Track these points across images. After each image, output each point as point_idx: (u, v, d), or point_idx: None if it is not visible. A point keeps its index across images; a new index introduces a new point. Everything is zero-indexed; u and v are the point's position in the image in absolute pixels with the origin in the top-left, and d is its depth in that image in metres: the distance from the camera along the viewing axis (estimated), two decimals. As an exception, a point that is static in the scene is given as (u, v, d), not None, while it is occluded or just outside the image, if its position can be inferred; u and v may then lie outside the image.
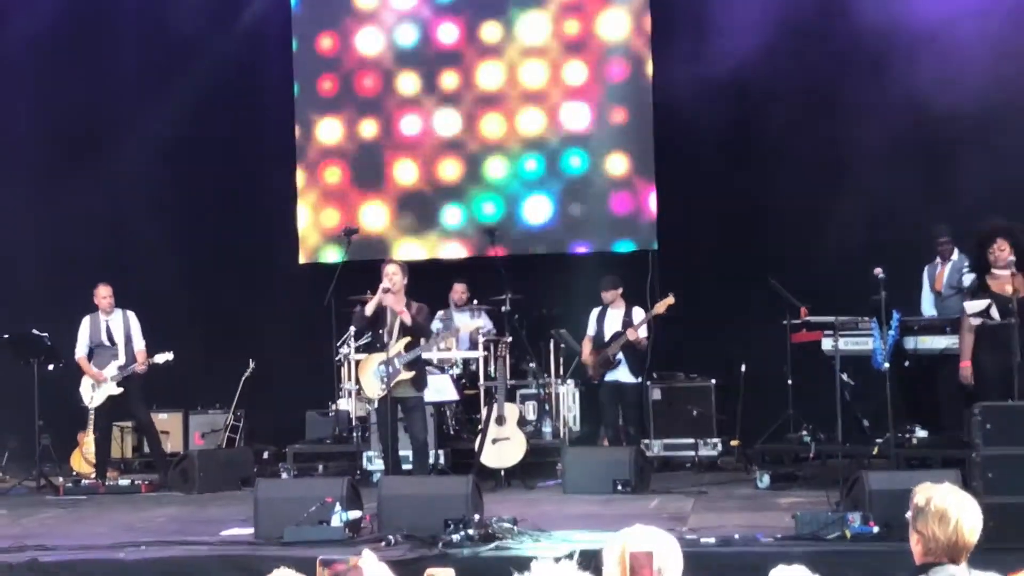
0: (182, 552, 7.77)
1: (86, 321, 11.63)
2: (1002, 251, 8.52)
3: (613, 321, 11.30)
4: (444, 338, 11.34)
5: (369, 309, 9.92)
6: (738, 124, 12.56)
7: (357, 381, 12.12)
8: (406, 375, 9.92)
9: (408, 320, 9.88)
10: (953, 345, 9.56)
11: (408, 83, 13.65)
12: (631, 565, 3.92)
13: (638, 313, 11.21)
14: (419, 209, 13.64)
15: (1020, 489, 7.06)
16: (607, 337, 11.26)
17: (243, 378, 12.62)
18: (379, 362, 9.89)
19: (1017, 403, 7.66)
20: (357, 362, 12.16)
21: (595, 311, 11.44)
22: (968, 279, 8.95)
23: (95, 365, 11.51)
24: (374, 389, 9.98)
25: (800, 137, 12.37)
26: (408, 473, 10.05)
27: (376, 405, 10.03)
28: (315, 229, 13.78)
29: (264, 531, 8.08)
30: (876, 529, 7.46)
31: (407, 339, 9.93)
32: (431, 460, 10.87)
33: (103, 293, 11.57)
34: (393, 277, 9.92)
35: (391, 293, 9.86)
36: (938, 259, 10.48)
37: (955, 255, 10.29)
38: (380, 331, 10.00)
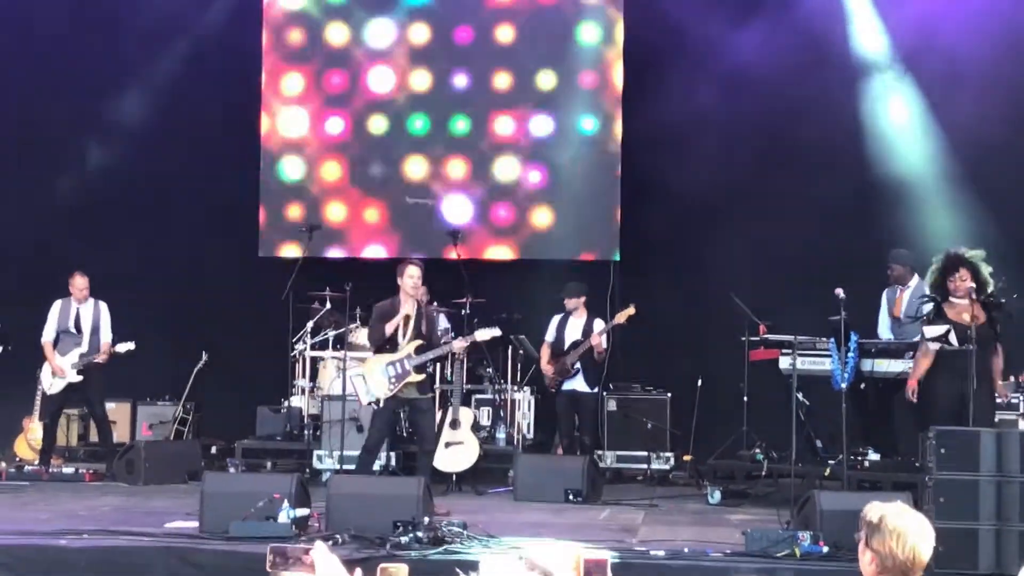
0: (125, 542, 7.66)
1: (56, 305, 11.50)
2: (963, 280, 8.59)
3: (573, 330, 11.29)
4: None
5: (390, 329, 9.67)
6: (709, 139, 12.54)
7: (312, 378, 12.07)
8: (415, 377, 9.67)
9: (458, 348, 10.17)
10: (908, 369, 9.59)
11: (377, 78, 13.56)
12: (585, 571, 3.89)
13: (599, 324, 11.21)
14: (383, 207, 13.54)
15: (970, 514, 7.08)
16: (566, 345, 11.24)
17: (195, 370, 12.48)
18: (387, 362, 9.64)
19: (971, 428, 7.66)
20: (313, 359, 12.12)
21: (556, 318, 11.41)
22: (926, 308, 8.98)
23: (58, 351, 11.37)
24: (382, 388, 9.65)
25: (772, 155, 12.37)
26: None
27: (380, 405, 9.71)
28: (275, 223, 13.66)
29: (209, 525, 7.98)
30: (826, 549, 7.46)
31: (419, 341, 9.69)
32: (383, 461, 10.81)
33: (80, 284, 11.45)
34: (419, 283, 9.71)
35: (412, 298, 9.72)
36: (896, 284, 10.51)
37: (914, 281, 10.31)
38: (389, 335, 9.72)
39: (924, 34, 11.94)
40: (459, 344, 10.11)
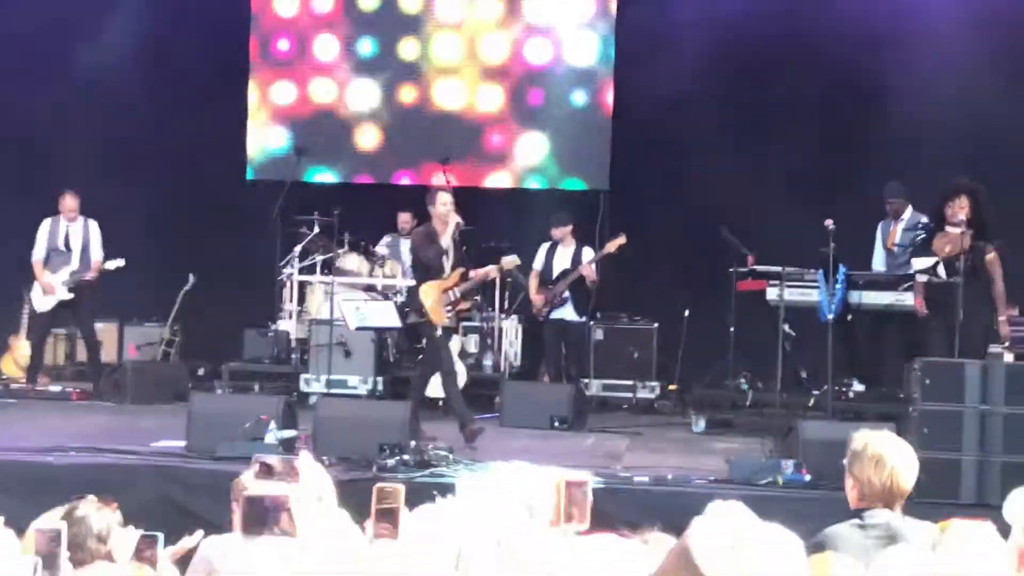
0: (111, 460, 7.69)
1: (46, 224, 11.46)
2: (962, 208, 8.51)
3: (562, 259, 11.28)
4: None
5: (445, 244, 9.36)
6: (699, 70, 12.45)
7: (300, 302, 12.06)
8: (464, 305, 9.69)
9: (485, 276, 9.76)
10: (897, 302, 9.61)
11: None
12: (567, 494, 3.91)
13: (587, 253, 11.21)
14: (371, 133, 13.46)
15: (954, 445, 7.14)
16: (555, 274, 11.24)
17: (182, 293, 12.46)
18: (443, 289, 9.36)
19: (956, 360, 7.70)
20: (301, 283, 12.10)
21: (544, 247, 11.41)
22: (920, 236, 8.96)
23: (48, 270, 11.34)
24: (442, 317, 9.37)
25: (764, 85, 12.31)
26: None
27: (439, 332, 9.34)
28: (264, 146, 13.58)
29: (196, 445, 8.01)
30: (808, 477, 7.53)
31: (461, 268, 9.48)
32: (370, 387, 10.86)
33: (69, 205, 11.40)
34: (452, 208, 9.36)
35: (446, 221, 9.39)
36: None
37: (908, 212, 10.30)
38: (439, 259, 9.39)
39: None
40: (493, 271, 9.88)
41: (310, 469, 3.15)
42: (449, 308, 9.40)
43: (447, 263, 9.34)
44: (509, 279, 11.97)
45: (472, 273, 9.54)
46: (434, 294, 9.31)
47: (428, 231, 9.39)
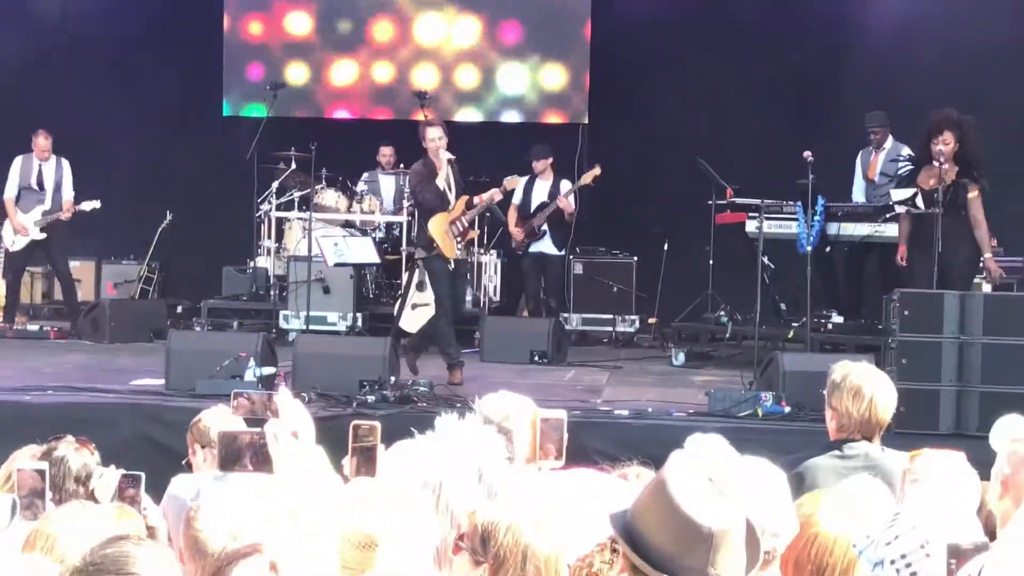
0: (90, 399, 7.67)
1: (18, 161, 11.34)
2: (946, 144, 8.45)
3: (540, 192, 11.25)
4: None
5: (441, 183, 9.14)
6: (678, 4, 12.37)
7: (278, 239, 11.98)
8: (473, 233, 9.49)
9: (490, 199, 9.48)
10: (876, 233, 9.60)
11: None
12: (542, 430, 3.91)
13: (565, 185, 11.18)
14: (349, 68, 13.33)
15: (932, 376, 7.16)
16: (533, 207, 11.20)
17: (159, 229, 12.37)
18: (449, 221, 9.14)
19: (935, 291, 7.71)
20: (278, 220, 12.02)
21: (522, 180, 11.33)
22: (904, 168, 8.90)
23: (20, 208, 11.24)
24: (452, 249, 9.15)
25: (742, 15, 12.21)
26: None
27: (451, 264, 9.16)
28: (240, 82, 13.43)
29: (175, 382, 7.99)
30: (788, 409, 7.57)
31: (465, 196, 9.30)
32: (349, 323, 10.83)
33: (42, 145, 11.26)
34: (444, 140, 9.13)
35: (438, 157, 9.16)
36: (872, 146, 10.46)
37: (889, 142, 10.27)
38: (441, 190, 9.18)
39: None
40: (497, 193, 9.59)
41: (289, 405, 3.12)
42: (459, 239, 9.20)
43: (450, 195, 9.17)
44: (488, 213, 11.91)
45: (476, 199, 9.38)
46: (442, 226, 9.17)
47: (424, 167, 9.23)
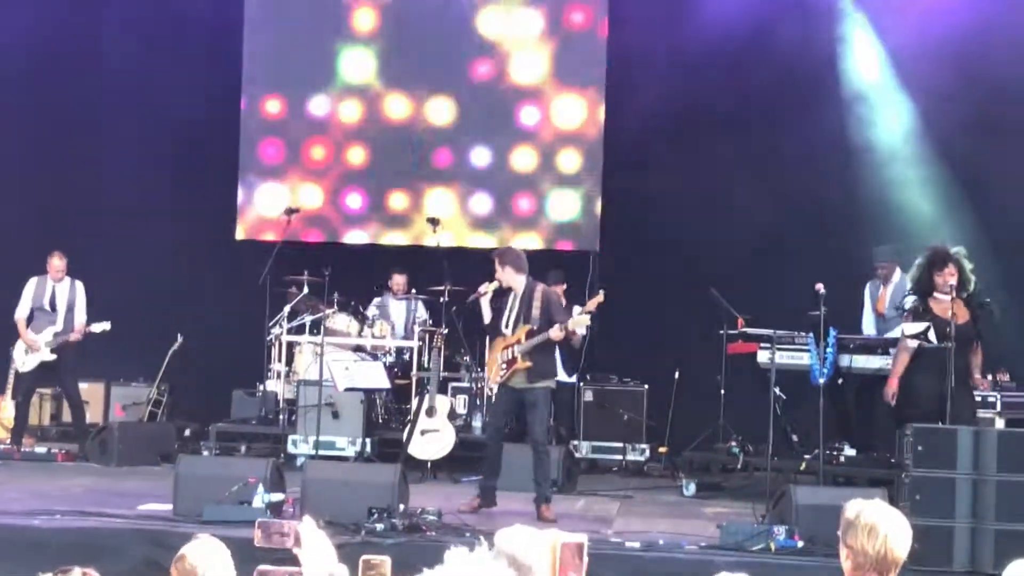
0: (98, 523, 7.62)
1: (32, 282, 11.44)
2: (951, 275, 8.51)
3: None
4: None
5: (486, 314, 9.27)
6: (691, 133, 12.53)
7: (288, 363, 11.99)
8: (522, 364, 8.96)
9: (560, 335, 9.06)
10: (887, 365, 9.61)
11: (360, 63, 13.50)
12: (562, 556, 3.87)
13: (576, 312, 11.17)
14: (363, 193, 13.48)
15: (946, 512, 7.10)
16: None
17: (170, 352, 12.39)
18: (502, 347, 9.06)
19: (948, 427, 7.67)
20: (289, 343, 12.04)
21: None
22: (909, 301, 8.94)
23: (32, 329, 11.30)
24: (494, 376, 9.16)
25: (749, 146, 12.37)
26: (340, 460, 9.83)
27: (494, 392, 9.23)
28: (254, 206, 13.58)
29: (183, 507, 7.95)
30: (801, 543, 7.49)
31: (528, 326, 9.02)
32: (358, 448, 10.78)
33: (57, 266, 11.39)
34: (496, 273, 9.19)
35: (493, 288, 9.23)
36: (879, 280, 10.51)
37: (897, 276, 10.32)
38: (500, 317, 9.16)
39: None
40: (555, 333, 9.01)
41: (313, 534, 3.10)
42: (504, 366, 9.01)
43: (506, 322, 9.07)
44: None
45: (551, 332, 9.01)
46: (494, 352, 9.22)
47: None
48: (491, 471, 9.11)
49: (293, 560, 3.40)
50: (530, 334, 8.99)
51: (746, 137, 12.43)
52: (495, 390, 9.17)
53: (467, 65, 13.32)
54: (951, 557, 7.05)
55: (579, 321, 9.28)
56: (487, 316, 9.63)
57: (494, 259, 9.27)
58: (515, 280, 9.08)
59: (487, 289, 9.32)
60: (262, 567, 3.06)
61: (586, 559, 3.88)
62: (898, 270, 10.33)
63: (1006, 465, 7.11)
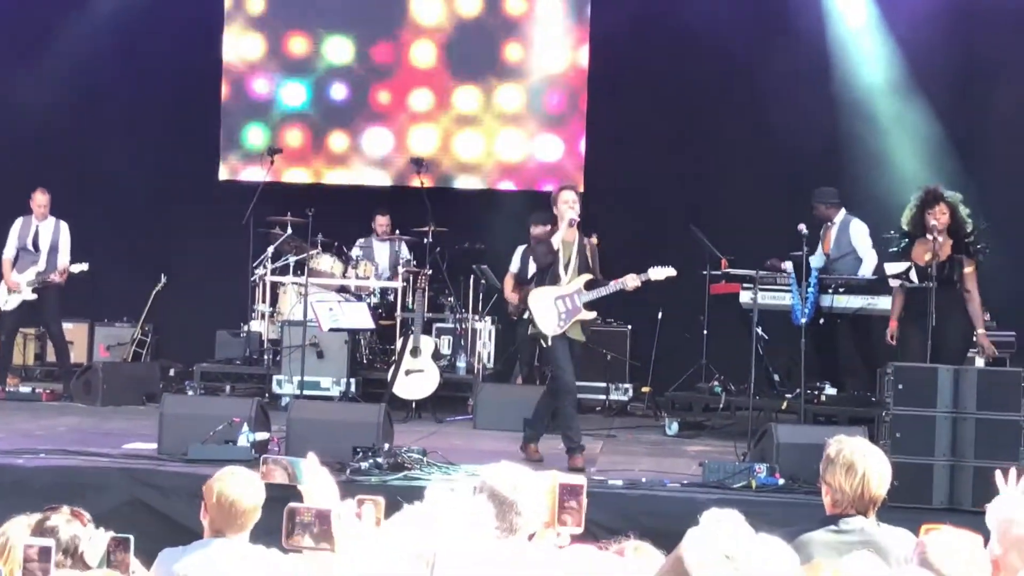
0: (82, 462, 7.64)
1: (17, 222, 11.42)
2: (943, 214, 8.52)
3: (539, 259, 11.24)
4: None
5: (556, 242, 8.48)
6: (673, 71, 12.48)
7: (273, 303, 11.99)
8: (586, 315, 8.50)
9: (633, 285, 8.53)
10: (869, 305, 9.64)
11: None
12: (561, 497, 3.90)
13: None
14: (346, 134, 13.42)
15: (926, 450, 7.16)
16: (530, 274, 11.20)
17: (154, 292, 12.39)
18: (556, 296, 8.48)
19: (929, 365, 7.72)
20: (273, 284, 12.03)
21: (520, 248, 11.38)
22: (903, 244, 8.91)
23: (17, 268, 11.30)
24: (551, 325, 8.46)
25: (734, 88, 12.33)
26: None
27: (549, 343, 8.49)
28: (237, 146, 13.51)
29: (167, 447, 7.97)
30: (782, 481, 7.55)
31: (588, 276, 8.56)
32: (342, 388, 10.82)
33: (39, 201, 11.33)
34: (575, 206, 8.52)
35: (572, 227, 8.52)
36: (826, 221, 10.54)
37: (840, 216, 10.38)
38: (554, 263, 8.54)
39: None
40: (632, 281, 8.55)
41: (316, 472, 3.14)
42: (564, 316, 8.43)
43: (565, 268, 8.51)
44: (483, 280, 11.96)
45: (627, 281, 8.55)
46: (544, 300, 8.51)
47: (545, 234, 8.74)
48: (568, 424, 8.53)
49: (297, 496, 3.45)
50: (592, 283, 8.54)
51: (729, 78, 12.37)
52: (550, 341, 8.45)
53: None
54: (931, 495, 7.10)
55: (660, 273, 8.62)
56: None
57: (573, 194, 8.61)
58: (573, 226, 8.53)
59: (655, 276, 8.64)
60: (292, 504, 3.10)
61: (585, 501, 3.92)
62: (842, 211, 10.38)
63: (986, 403, 7.16)
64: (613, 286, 8.53)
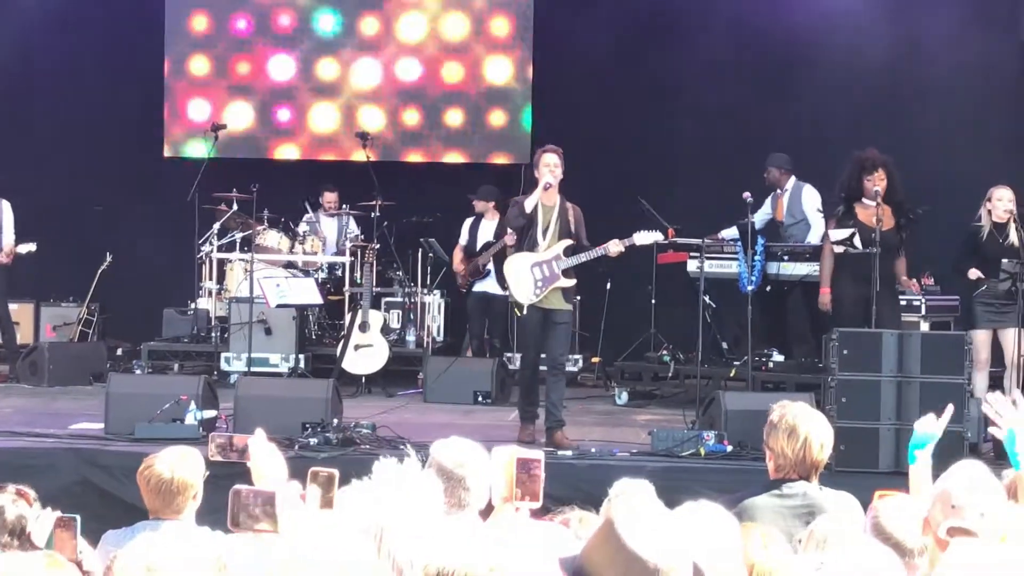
0: (29, 443, 7.59)
1: None
2: (881, 180, 8.57)
3: (486, 232, 11.27)
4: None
5: (529, 205, 8.11)
6: (619, 42, 12.47)
7: (220, 280, 11.91)
8: (565, 282, 8.21)
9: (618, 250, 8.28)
10: (814, 272, 9.73)
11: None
12: (518, 471, 3.91)
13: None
14: (293, 109, 13.32)
15: (872, 414, 7.24)
16: (479, 247, 11.22)
17: (99, 271, 12.27)
18: (532, 263, 8.19)
19: (873, 330, 7.80)
20: (220, 261, 11.95)
21: (468, 221, 11.40)
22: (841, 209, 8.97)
23: (-42, 251, 11.14)
24: (526, 293, 8.17)
25: (682, 57, 12.33)
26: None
27: (523, 312, 8.21)
28: (180, 122, 13.38)
29: (114, 426, 7.92)
30: (730, 448, 7.63)
31: (568, 242, 8.31)
32: (291, 365, 10.78)
33: None
34: (555, 170, 8.18)
35: (553, 187, 8.20)
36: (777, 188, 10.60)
37: (791, 183, 10.44)
38: (531, 228, 8.22)
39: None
40: (615, 247, 8.27)
41: (263, 448, 3.12)
42: (541, 284, 8.17)
43: (543, 233, 8.22)
44: (431, 253, 11.94)
45: (609, 247, 8.28)
46: (520, 267, 8.23)
47: (523, 197, 8.34)
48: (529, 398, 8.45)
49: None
50: (573, 249, 8.25)
51: (678, 50, 12.37)
52: (524, 311, 8.19)
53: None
54: (877, 458, 7.20)
55: (646, 237, 8.45)
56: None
57: (555, 157, 8.26)
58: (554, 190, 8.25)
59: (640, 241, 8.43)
60: (237, 486, 3.09)
61: (543, 475, 3.94)
62: (793, 177, 10.45)
63: (930, 367, 7.26)
64: (595, 252, 8.27)
